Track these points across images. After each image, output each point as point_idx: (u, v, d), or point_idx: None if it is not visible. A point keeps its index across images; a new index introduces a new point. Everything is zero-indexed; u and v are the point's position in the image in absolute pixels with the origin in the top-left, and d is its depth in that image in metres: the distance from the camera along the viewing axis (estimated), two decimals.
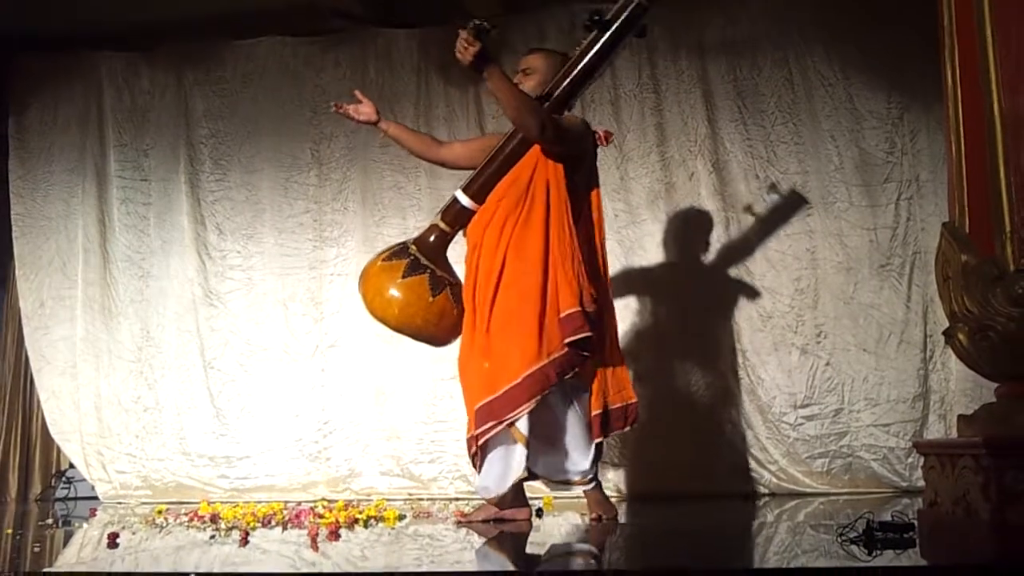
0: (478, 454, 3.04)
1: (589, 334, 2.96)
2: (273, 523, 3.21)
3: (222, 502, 4.07)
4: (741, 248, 4.43)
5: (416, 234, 3.30)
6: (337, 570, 2.36)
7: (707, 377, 4.36)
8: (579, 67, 3.04)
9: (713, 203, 4.45)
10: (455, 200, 3.16)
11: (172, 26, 4.95)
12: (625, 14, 2.96)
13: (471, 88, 4.71)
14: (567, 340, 2.96)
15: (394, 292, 3.10)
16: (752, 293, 4.40)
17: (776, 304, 4.36)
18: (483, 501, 3.18)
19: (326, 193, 4.84)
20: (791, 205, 4.41)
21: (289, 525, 3.15)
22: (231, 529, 3.06)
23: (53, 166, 5.09)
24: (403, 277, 3.09)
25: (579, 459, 3.12)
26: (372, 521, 3.19)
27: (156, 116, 5.04)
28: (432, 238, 3.19)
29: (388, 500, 4.07)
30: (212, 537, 2.88)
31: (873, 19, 4.39)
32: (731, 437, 4.28)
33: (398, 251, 3.20)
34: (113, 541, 2.74)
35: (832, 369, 4.28)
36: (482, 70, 2.92)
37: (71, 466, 5.01)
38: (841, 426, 4.22)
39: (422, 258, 3.14)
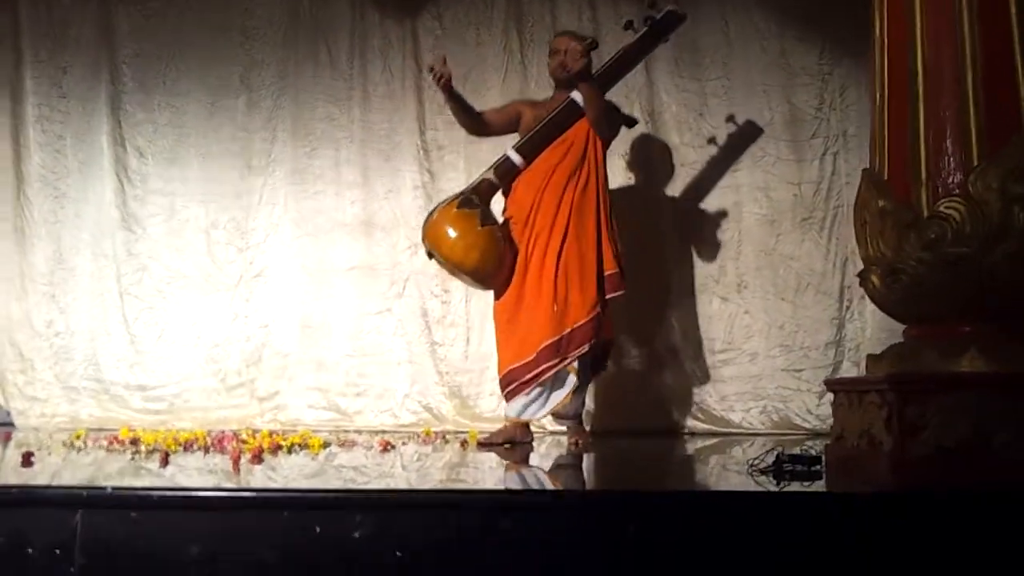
0: (530, 383, 3.43)
1: (623, 291, 3.55)
2: (195, 447, 3.18)
3: (143, 428, 4.01)
4: (670, 199, 4.50)
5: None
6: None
7: (631, 322, 4.44)
8: (623, 65, 3.71)
9: (646, 152, 4.49)
10: (507, 158, 3.60)
11: None
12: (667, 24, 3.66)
13: (407, 21, 4.62)
14: (608, 296, 3.52)
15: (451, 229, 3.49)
16: (678, 243, 4.48)
17: (700, 254, 4.45)
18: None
19: (255, 121, 4.71)
20: (720, 159, 4.48)
21: (211, 449, 3.14)
22: (152, 452, 3.02)
23: None
24: (457, 208, 3.50)
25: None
26: (296, 448, 3.20)
27: (76, 32, 4.80)
28: (483, 188, 3.61)
29: (313, 431, 4.06)
30: (132, 459, 2.85)
31: None
32: (651, 378, 4.39)
33: (455, 198, 3.57)
34: (27, 460, 2.68)
35: (750, 317, 4.41)
36: (584, 79, 3.47)
37: None
38: (757, 370, 4.36)
39: (475, 198, 3.56)
